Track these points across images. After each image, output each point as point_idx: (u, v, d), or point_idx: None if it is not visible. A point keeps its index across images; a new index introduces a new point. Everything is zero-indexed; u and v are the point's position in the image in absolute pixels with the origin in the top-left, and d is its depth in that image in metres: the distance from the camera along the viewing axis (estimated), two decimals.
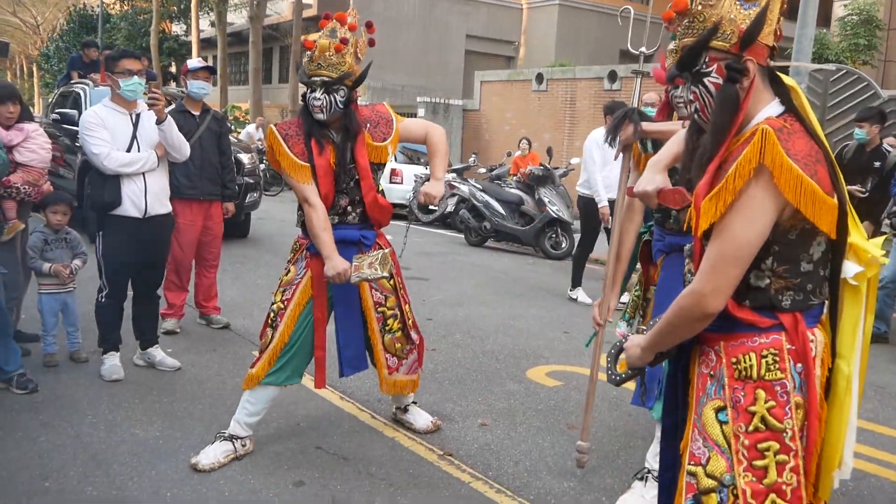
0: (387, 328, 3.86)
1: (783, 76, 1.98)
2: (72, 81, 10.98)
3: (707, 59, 1.93)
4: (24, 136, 4.84)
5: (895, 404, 5.12)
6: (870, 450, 4.25)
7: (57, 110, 10.21)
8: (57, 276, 4.82)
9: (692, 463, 2.00)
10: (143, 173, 4.60)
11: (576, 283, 8.01)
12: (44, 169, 5.00)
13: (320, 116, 3.57)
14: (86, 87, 10.02)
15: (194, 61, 6.03)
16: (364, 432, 4.14)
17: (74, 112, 9.55)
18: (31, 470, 3.48)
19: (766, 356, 1.93)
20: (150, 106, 4.50)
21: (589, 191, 7.68)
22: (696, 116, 2.01)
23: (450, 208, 13.05)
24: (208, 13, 31.43)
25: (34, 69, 45.46)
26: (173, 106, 5.78)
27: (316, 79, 3.53)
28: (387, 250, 3.71)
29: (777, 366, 1.91)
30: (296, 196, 3.71)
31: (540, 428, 4.33)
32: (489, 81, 19.58)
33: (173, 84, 15.72)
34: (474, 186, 11.98)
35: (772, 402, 1.90)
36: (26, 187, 4.81)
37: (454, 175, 12.98)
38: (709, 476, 1.95)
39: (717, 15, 1.90)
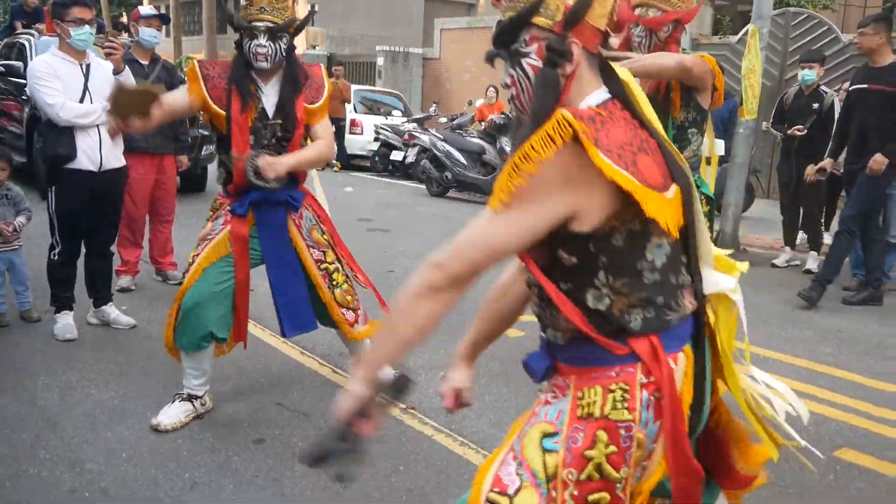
0: (334, 283, 3.75)
1: (617, 68, 1.71)
2: (15, 32, 10.57)
3: (527, 38, 1.64)
4: None
5: (852, 348, 5.19)
6: (828, 393, 4.31)
7: (1, 62, 9.83)
8: None
9: (496, 490, 1.65)
10: (98, 126, 4.43)
11: None
12: None
13: (264, 65, 3.37)
14: (31, 38, 9.63)
15: (146, 8, 5.85)
16: (325, 388, 4.09)
17: (20, 64, 9.23)
18: None
19: (613, 391, 1.63)
20: (107, 55, 4.31)
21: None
22: (512, 103, 1.73)
23: (410, 158, 12.93)
24: None
25: None
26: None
27: (259, 24, 3.33)
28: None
29: (625, 404, 1.61)
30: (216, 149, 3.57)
31: (503, 379, 4.32)
32: (449, 29, 19.29)
33: (124, 34, 15.23)
34: (435, 136, 11.86)
35: (613, 448, 1.61)
36: None
37: (415, 125, 12.82)
38: None
39: None
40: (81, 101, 4.40)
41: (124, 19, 31.09)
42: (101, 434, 3.43)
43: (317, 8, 26.43)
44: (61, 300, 4.67)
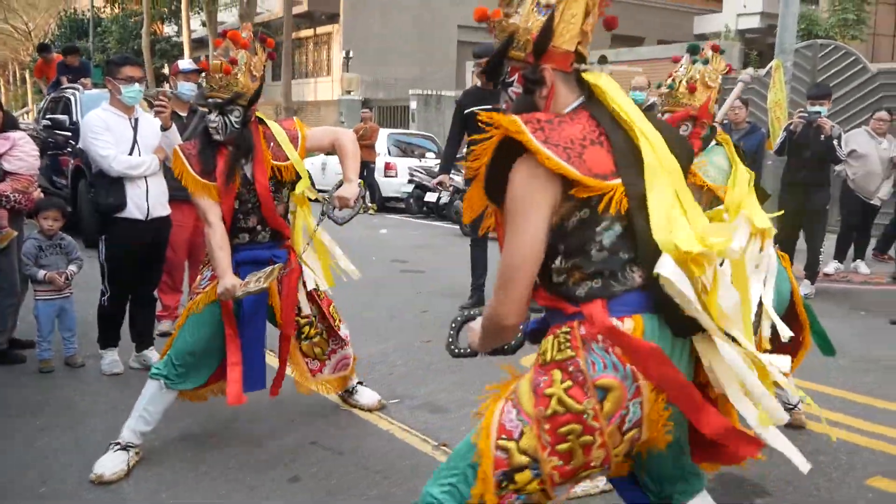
0: (303, 335, 3.99)
1: (590, 75, 1.96)
2: (62, 87, 10.98)
3: (509, 70, 1.94)
4: (11, 145, 4.86)
5: (886, 376, 5.14)
6: (862, 422, 4.27)
7: (48, 116, 10.21)
8: (52, 283, 4.85)
9: (504, 437, 1.90)
10: (146, 176, 4.68)
11: None
12: (32, 176, 5.03)
13: (217, 138, 3.62)
14: (76, 92, 10.01)
15: (185, 62, 6.05)
16: (359, 426, 4.16)
17: (65, 117, 9.58)
18: (29, 474, 3.51)
19: (558, 336, 1.91)
20: (157, 114, 4.60)
21: None
22: None
23: (444, 200, 13.08)
24: (199, 13, 31.36)
25: (27, 76, 45.32)
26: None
27: (210, 101, 3.57)
28: (276, 265, 3.67)
29: (568, 344, 1.88)
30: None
31: None
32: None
33: (166, 85, 15.69)
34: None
35: (568, 383, 1.85)
36: (16, 195, 4.85)
37: None
38: (522, 452, 1.87)
39: (515, 24, 1.88)
40: (130, 153, 4.66)
41: (166, 70, 31.98)
42: (142, 474, 3.54)
43: (352, 54, 26.98)
44: (108, 339, 4.90)
